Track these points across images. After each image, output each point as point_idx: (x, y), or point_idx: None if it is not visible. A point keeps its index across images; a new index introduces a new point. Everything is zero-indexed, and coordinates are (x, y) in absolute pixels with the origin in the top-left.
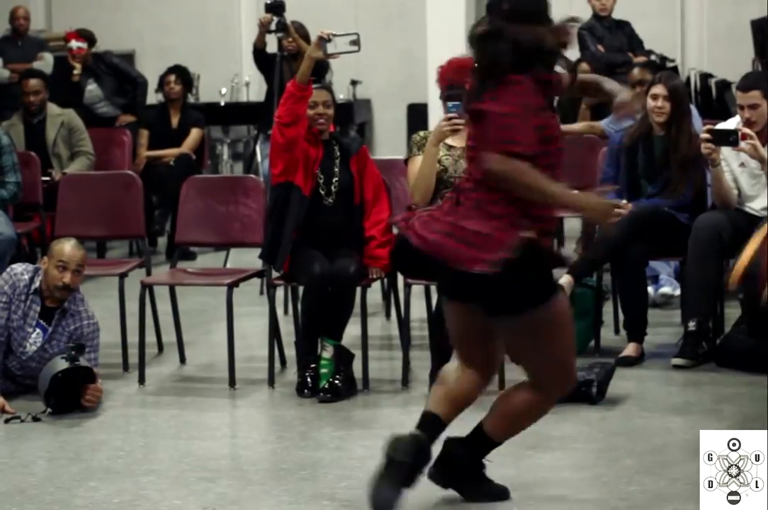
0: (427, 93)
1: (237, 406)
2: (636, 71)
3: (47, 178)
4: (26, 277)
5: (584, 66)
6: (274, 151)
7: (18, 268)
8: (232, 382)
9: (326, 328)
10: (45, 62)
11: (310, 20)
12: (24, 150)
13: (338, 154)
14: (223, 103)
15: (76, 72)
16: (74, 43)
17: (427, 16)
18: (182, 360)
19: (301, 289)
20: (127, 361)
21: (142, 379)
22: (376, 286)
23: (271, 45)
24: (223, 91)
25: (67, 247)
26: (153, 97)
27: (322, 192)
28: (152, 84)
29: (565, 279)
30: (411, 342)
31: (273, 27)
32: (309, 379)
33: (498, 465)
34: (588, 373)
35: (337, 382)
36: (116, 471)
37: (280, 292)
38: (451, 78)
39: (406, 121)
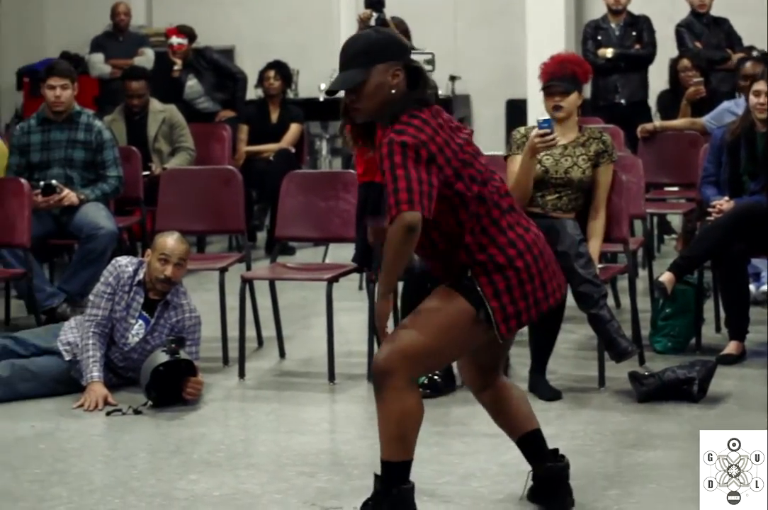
0: (527, 89)
1: (336, 401)
2: (748, 65)
3: (147, 173)
4: (130, 269)
5: (685, 62)
6: (357, 150)
7: (122, 260)
8: (331, 376)
9: None
10: (146, 58)
11: (410, 16)
12: (125, 145)
13: None
14: (321, 99)
15: (176, 68)
16: (174, 39)
17: (526, 12)
18: (282, 354)
19: (400, 284)
20: (227, 355)
21: (242, 373)
22: None
23: None
24: (322, 86)
25: (170, 240)
26: (252, 93)
27: None
28: (252, 79)
29: (666, 276)
30: None
31: (372, 23)
32: None
33: (599, 462)
34: (689, 370)
35: (436, 377)
36: (216, 464)
37: None
38: (553, 72)
39: (505, 117)
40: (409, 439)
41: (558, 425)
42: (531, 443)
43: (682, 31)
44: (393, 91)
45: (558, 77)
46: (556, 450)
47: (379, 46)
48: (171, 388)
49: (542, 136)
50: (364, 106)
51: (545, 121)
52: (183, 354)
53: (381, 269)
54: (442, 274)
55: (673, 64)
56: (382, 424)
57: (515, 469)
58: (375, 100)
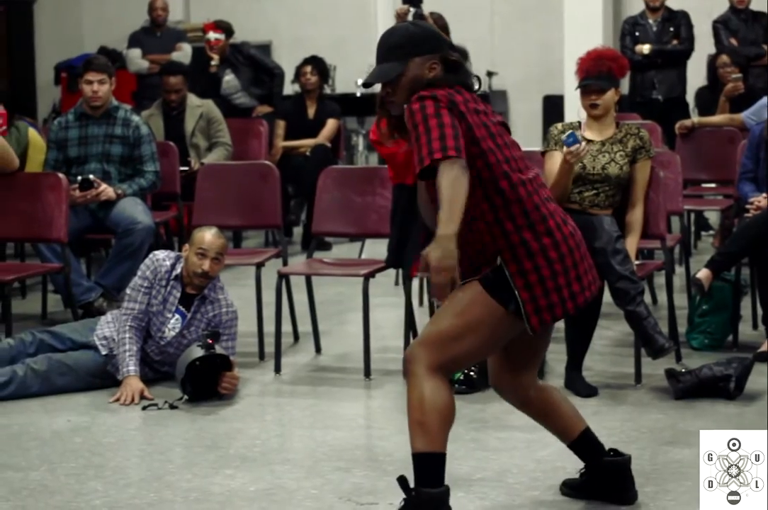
0: (563, 85)
1: (372, 397)
2: None
3: (185, 168)
4: (168, 263)
5: (724, 58)
6: (386, 155)
7: (160, 254)
8: (367, 372)
9: None
10: (183, 53)
11: (447, 11)
12: (163, 140)
13: None
14: (358, 94)
15: (213, 63)
16: (212, 35)
17: (564, 8)
18: (318, 350)
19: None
20: (263, 350)
21: (278, 368)
22: None
23: None
24: (359, 82)
25: (208, 235)
26: (289, 88)
27: None
28: (289, 75)
29: (703, 273)
30: None
31: (410, 18)
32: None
33: (635, 459)
34: (726, 368)
35: (472, 374)
36: (252, 459)
37: (415, 283)
38: (588, 69)
39: (542, 113)
40: (432, 430)
41: (594, 422)
42: (587, 443)
43: (719, 27)
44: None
45: (594, 75)
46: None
47: (416, 39)
48: (206, 382)
49: (570, 152)
50: (400, 99)
51: (569, 136)
52: (218, 349)
53: (440, 220)
54: (469, 267)
55: (712, 61)
56: (407, 413)
57: (551, 466)
58: (412, 93)
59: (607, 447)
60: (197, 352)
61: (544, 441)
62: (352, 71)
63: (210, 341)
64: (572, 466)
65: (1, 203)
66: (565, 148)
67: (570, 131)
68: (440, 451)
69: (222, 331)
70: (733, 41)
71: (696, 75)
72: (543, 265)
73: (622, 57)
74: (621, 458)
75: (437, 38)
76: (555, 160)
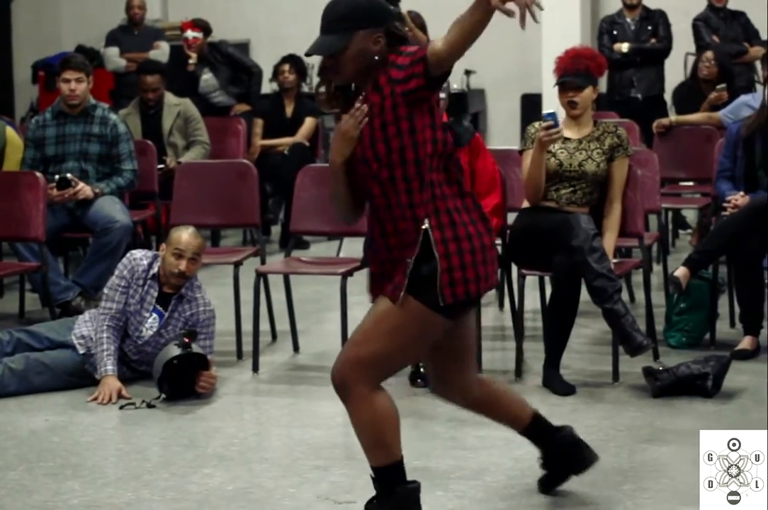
0: (542, 83)
1: None
2: None
3: (162, 167)
4: (145, 262)
5: (709, 54)
6: None
7: (137, 253)
8: None
9: None
10: (161, 51)
11: (426, 10)
12: (140, 138)
13: None
14: None
15: (191, 61)
16: (190, 33)
17: (542, 6)
18: (296, 348)
19: None
20: (241, 349)
21: (255, 367)
22: None
23: None
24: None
25: (185, 235)
26: (267, 87)
27: None
28: (267, 73)
29: (680, 271)
30: (524, 333)
31: None
32: (422, 369)
33: (613, 457)
34: (703, 366)
35: None
36: (230, 458)
37: None
38: (566, 67)
39: (520, 112)
40: (389, 442)
41: (572, 420)
42: (541, 425)
43: (700, 25)
44: (375, 57)
45: (572, 72)
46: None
47: (360, 12)
48: (184, 381)
49: (546, 129)
50: (344, 71)
51: (549, 114)
52: (195, 347)
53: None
54: (388, 265)
55: (696, 59)
56: (358, 434)
57: (529, 464)
58: (355, 66)
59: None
60: (174, 350)
61: (521, 439)
62: None
63: (187, 340)
64: None
65: None
66: (541, 123)
67: (552, 110)
68: (400, 458)
69: (200, 330)
70: (716, 39)
71: (673, 73)
72: (463, 236)
73: (600, 56)
74: (565, 432)
75: (382, 10)
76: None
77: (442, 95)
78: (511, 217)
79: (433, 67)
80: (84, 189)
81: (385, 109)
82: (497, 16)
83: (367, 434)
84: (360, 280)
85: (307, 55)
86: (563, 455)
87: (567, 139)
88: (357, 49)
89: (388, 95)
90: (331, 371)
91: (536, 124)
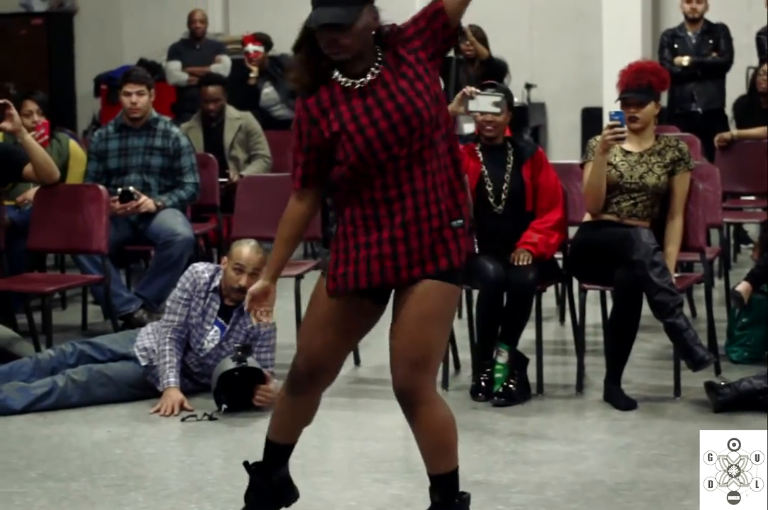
0: (602, 97)
1: None
2: None
3: (224, 180)
4: (207, 275)
5: (765, 68)
6: None
7: (200, 266)
8: None
9: (502, 333)
10: (222, 65)
11: (486, 24)
12: (202, 152)
13: (511, 159)
14: None
15: (252, 75)
16: (251, 47)
17: (603, 19)
18: (357, 361)
19: (476, 293)
20: None
21: None
22: (551, 290)
23: None
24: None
25: (246, 249)
26: None
27: (491, 200)
28: None
29: (742, 286)
30: (585, 347)
31: None
32: (483, 383)
33: (674, 472)
34: (765, 381)
35: (511, 386)
36: (291, 471)
37: None
38: (629, 82)
39: (581, 125)
40: (453, 448)
41: (633, 435)
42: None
43: (763, 38)
44: (373, 32)
45: (634, 88)
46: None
47: None
48: (242, 395)
49: (611, 127)
50: (352, 44)
51: (617, 112)
52: (250, 361)
53: None
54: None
55: (755, 73)
56: (424, 440)
57: (590, 478)
58: (361, 39)
59: (647, 459)
60: (229, 364)
61: (582, 454)
62: None
63: (241, 354)
64: (611, 479)
65: (42, 215)
66: (607, 123)
67: (620, 110)
68: (458, 466)
69: (261, 343)
70: None
71: (734, 87)
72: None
73: (664, 70)
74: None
75: None
76: None
77: (497, 110)
78: (572, 232)
79: (452, 15)
80: (146, 202)
81: (420, 75)
82: (558, 28)
83: (435, 439)
84: None
85: (323, 25)
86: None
87: (628, 152)
88: (364, 23)
89: (415, 62)
90: (395, 376)
91: (598, 138)
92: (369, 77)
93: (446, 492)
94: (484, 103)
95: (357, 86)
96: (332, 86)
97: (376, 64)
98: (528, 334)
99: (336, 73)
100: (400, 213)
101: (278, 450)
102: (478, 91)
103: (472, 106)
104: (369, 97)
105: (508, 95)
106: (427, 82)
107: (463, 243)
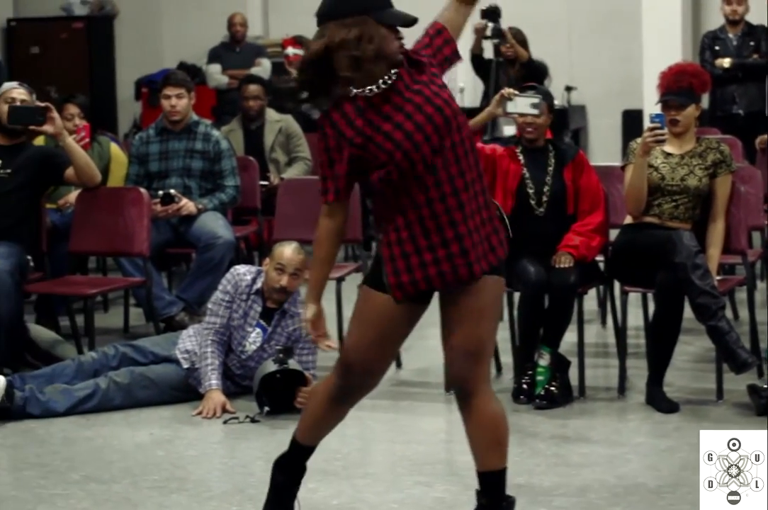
0: (643, 99)
1: (453, 411)
2: None
3: (265, 183)
4: (248, 277)
5: None
6: None
7: (241, 268)
8: (447, 387)
9: (543, 336)
10: (263, 68)
11: (526, 26)
12: (242, 155)
13: (552, 161)
14: None
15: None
16: (291, 50)
17: (642, 22)
18: (398, 364)
19: (517, 295)
20: None
21: None
22: (593, 293)
23: (488, 50)
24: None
25: (287, 250)
26: None
27: (533, 202)
28: None
29: None
30: (627, 350)
31: (489, 33)
32: (525, 386)
33: None
34: None
35: (553, 389)
36: (334, 473)
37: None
38: (669, 84)
39: (621, 128)
40: (505, 444)
41: (676, 438)
42: None
43: None
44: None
45: (674, 90)
46: None
47: None
48: (284, 397)
49: (652, 129)
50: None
51: (657, 115)
52: (292, 363)
53: None
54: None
55: None
56: (477, 435)
57: (632, 482)
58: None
59: (690, 463)
60: (270, 366)
61: (625, 457)
62: None
63: (282, 356)
64: (653, 482)
65: (84, 218)
66: (647, 125)
67: (661, 112)
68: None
69: (302, 346)
70: None
71: None
72: None
73: (705, 72)
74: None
75: None
76: None
77: (535, 111)
78: (614, 234)
79: (453, 31)
80: (187, 205)
81: (432, 79)
82: (597, 31)
83: (488, 434)
84: None
85: (414, 23)
86: None
87: (669, 154)
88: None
89: (433, 74)
90: (452, 367)
91: (638, 140)
92: (389, 81)
93: (494, 493)
94: (522, 104)
95: (378, 91)
96: (354, 99)
97: (390, 72)
98: (569, 337)
99: (352, 90)
100: (458, 209)
101: (303, 451)
102: (516, 92)
103: (510, 107)
104: (395, 97)
105: (548, 97)
106: (439, 83)
107: (502, 234)
